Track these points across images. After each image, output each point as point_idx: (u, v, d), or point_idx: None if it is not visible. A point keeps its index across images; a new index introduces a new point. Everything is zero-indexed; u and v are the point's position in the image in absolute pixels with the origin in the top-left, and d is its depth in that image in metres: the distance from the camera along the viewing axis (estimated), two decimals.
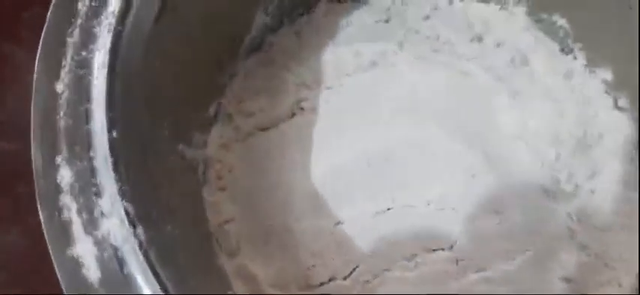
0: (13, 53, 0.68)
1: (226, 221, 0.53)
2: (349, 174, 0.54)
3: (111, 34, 0.39)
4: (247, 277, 0.50)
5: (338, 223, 0.52)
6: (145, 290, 0.34)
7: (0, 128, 0.65)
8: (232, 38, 0.56)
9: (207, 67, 0.54)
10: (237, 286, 0.50)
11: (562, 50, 0.60)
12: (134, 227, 0.35)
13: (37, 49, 0.68)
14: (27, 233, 0.61)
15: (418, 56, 0.59)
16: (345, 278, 0.51)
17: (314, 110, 0.56)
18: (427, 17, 0.61)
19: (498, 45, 0.60)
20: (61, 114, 0.38)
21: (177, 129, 0.49)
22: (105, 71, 0.38)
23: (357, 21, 0.61)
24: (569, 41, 0.59)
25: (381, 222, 0.53)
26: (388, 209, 0.53)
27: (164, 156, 0.46)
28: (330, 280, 0.51)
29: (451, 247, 0.52)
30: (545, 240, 0.53)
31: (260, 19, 0.58)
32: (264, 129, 0.56)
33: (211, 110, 0.55)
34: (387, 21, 0.61)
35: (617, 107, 0.58)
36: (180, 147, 0.50)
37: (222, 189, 0.54)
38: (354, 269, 0.51)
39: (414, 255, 0.52)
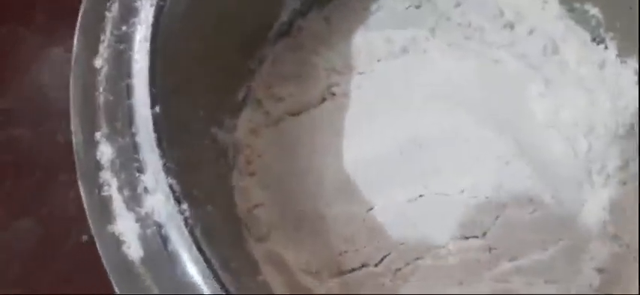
0: (25, 38, 0.68)
1: (255, 207, 0.52)
2: (381, 161, 0.53)
3: (153, 8, 0.38)
4: (278, 262, 0.50)
5: (370, 209, 0.52)
6: (190, 267, 0.34)
7: (10, 114, 0.66)
8: (263, 22, 0.56)
9: (238, 51, 0.54)
10: (268, 271, 0.49)
11: (593, 39, 0.59)
12: (179, 203, 0.34)
13: (54, 33, 0.68)
14: (39, 221, 0.61)
15: (450, 43, 0.59)
16: (376, 265, 0.51)
17: (345, 95, 0.56)
18: (458, 4, 0.60)
19: (530, 33, 0.60)
20: (101, 89, 0.38)
21: (210, 111, 0.49)
22: (147, 45, 0.37)
23: (387, 6, 0.60)
24: (601, 30, 0.59)
25: (413, 210, 0.52)
26: (420, 196, 0.52)
27: (200, 136, 0.45)
28: (361, 266, 0.51)
29: (484, 235, 0.52)
30: (578, 230, 0.52)
31: (291, 3, 0.57)
32: (293, 114, 0.56)
33: (240, 94, 0.55)
34: (417, 7, 0.60)
35: None
36: (213, 129, 0.49)
37: (252, 174, 0.53)
38: (386, 256, 0.51)
39: (446, 243, 0.51)
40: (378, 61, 0.58)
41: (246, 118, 0.54)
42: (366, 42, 0.58)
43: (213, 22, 0.47)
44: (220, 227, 0.42)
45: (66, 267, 0.59)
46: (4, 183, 0.63)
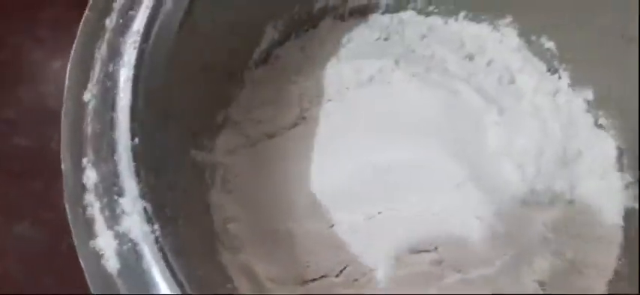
0: (29, 51, 0.72)
1: (230, 221, 0.56)
2: (345, 182, 0.58)
3: (136, 51, 0.43)
4: (248, 272, 0.54)
5: (332, 226, 0.57)
6: (159, 280, 0.39)
7: (15, 124, 0.69)
8: (243, 52, 0.61)
9: (219, 79, 0.58)
10: (239, 280, 0.53)
11: (549, 70, 0.64)
12: (152, 224, 0.40)
13: (55, 48, 0.73)
14: (37, 225, 0.65)
15: (413, 74, 0.63)
16: (336, 276, 0.56)
17: (316, 121, 0.60)
18: (423, 36, 0.65)
19: (488, 64, 0.64)
20: (88, 121, 0.43)
21: (189, 135, 0.53)
22: (130, 84, 0.43)
23: (358, 38, 0.65)
24: (556, 62, 0.64)
25: (371, 226, 0.57)
26: (378, 213, 0.57)
27: (177, 159, 0.50)
28: (322, 277, 0.55)
29: (435, 249, 0.56)
30: (522, 246, 0.57)
31: (269, 34, 0.62)
32: (270, 136, 0.60)
33: (219, 118, 0.60)
34: (386, 39, 0.65)
35: (596, 125, 0.62)
36: (192, 152, 0.54)
37: (228, 192, 0.58)
38: (345, 268, 0.56)
39: (400, 256, 0.56)
40: (347, 89, 0.62)
41: (225, 139, 0.59)
42: (337, 71, 0.63)
43: (195, 58, 0.51)
44: (192, 241, 0.47)
45: (62, 268, 0.62)
46: (7, 191, 0.67)
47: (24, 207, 0.66)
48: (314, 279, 0.55)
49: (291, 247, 0.56)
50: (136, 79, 0.43)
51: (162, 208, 0.42)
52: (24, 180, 0.67)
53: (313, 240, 0.56)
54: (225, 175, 0.58)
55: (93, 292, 0.39)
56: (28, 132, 0.69)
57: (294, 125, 0.61)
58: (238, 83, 0.61)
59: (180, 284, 0.39)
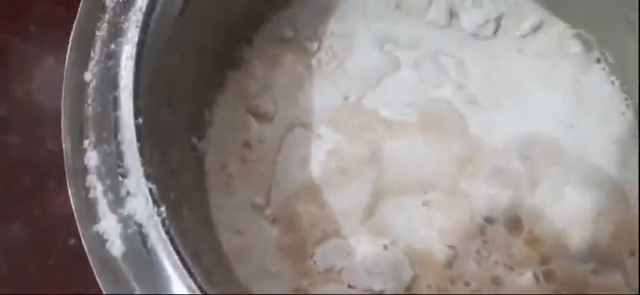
0: (20, 47, 0.70)
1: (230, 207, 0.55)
2: (341, 163, 0.58)
3: (139, 29, 0.42)
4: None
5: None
6: (166, 263, 0.37)
7: (6, 122, 0.68)
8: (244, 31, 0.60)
9: (219, 63, 0.58)
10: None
11: None
12: (158, 206, 0.38)
13: (45, 44, 0.71)
14: (28, 224, 0.63)
15: None
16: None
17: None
18: None
19: None
20: (89, 101, 0.41)
21: (190, 121, 0.52)
22: (132, 62, 0.41)
23: None
24: None
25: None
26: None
27: (179, 145, 0.49)
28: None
29: None
30: None
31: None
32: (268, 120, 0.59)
33: (219, 98, 0.59)
34: None
35: None
36: (193, 139, 0.53)
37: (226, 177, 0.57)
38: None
39: None
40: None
41: (222, 125, 0.58)
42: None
43: (197, 40, 0.50)
44: (194, 228, 0.45)
45: (53, 268, 0.62)
46: None
47: (12, 205, 0.64)
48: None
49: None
50: (139, 58, 0.42)
51: (167, 192, 0.41)
52: (13, 178, 0.65)
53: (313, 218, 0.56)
54: (224, 161, 0.56)
55: (97, 277, 0.38)
56: (18, 129, 0.67)
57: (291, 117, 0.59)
58: (237, 64, 0.60)
59: (188, 269, 0.37)
